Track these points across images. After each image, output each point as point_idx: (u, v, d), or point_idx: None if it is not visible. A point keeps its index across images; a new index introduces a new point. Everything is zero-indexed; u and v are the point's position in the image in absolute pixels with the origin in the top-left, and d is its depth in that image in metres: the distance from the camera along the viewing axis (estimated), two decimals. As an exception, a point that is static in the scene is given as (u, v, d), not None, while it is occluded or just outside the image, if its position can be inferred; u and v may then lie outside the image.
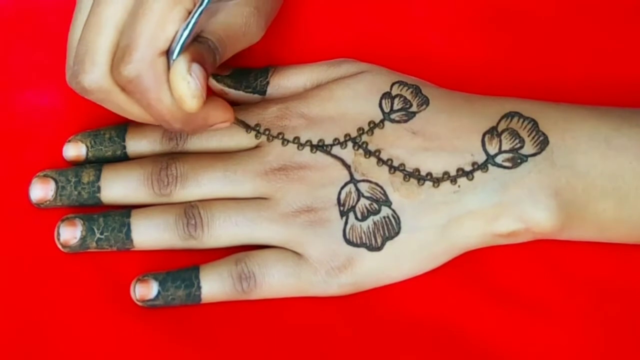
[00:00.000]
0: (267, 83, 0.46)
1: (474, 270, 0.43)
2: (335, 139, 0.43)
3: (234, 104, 0.46)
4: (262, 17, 0.41)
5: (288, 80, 0.46)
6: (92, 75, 0.38)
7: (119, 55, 0.37)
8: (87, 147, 0.45)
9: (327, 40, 0.47)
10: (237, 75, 0.46)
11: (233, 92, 0.46)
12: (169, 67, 0.37)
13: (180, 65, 0.36)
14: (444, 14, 0.48)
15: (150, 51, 0.37)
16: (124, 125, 0.45)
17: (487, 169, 0.42)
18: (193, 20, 0.37)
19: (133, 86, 0.37)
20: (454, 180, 0.42)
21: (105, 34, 0.38)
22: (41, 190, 0.43)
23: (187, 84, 0.36)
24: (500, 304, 0.43)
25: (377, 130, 0.43)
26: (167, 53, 0.37)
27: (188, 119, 0.38)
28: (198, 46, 0.37)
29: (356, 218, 0.42)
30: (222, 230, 0.42)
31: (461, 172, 0.42)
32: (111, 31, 0.38)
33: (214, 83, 0.46)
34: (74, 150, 0.45)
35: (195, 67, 0.37)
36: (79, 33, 0.39)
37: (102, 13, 0.38)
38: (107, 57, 0.38)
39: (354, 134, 0.43)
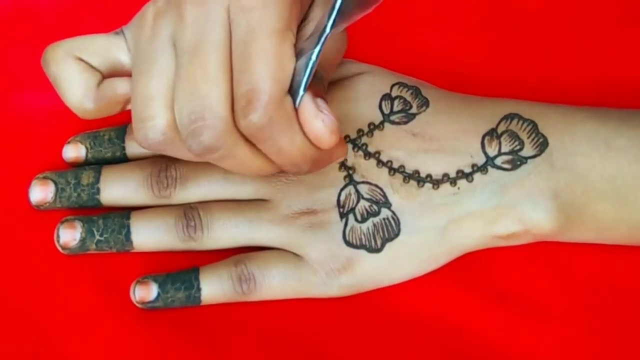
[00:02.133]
0: None
1: (474, 271, 0.43)
2: None
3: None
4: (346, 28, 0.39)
5: None
6: (218, 132, 0.35)
7: (242, 103, 0.35)
8: (86, 148, 0.45)
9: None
10: None
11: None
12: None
13: (310, 104, 0.35)
14: (444, 15, 0.48)
15: (277, 93, 0.35)
16: (123, 127, 0.45)
17: (487, 171, 0.42)
18: (314, 57, 0.35)
19: (264, 133, 0.35)
20: (453, 182, 0.42)
21: (220, 85, 0.35)
22: (41, 192, 0.43)
23: (322, 122, 0.35)
24: (500, 304, 0.43)
25: (376, 132, 0.43)
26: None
27: (318, 158, 0.37)
28: (313, 82, 0.36)
29: (356, 220, 0.42)
30: (222, 232, 0.42)
31: (461, 174, 0.42)
32: (224, 81, 0.35)
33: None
34: (74, 151, 0.45)
35: (321, 103, 0.36)
36: (158, 83, 0.36)
37: (206, 63, 0.35)
38: (228, 109, 0.35)
39: (353, 135, 0.43)
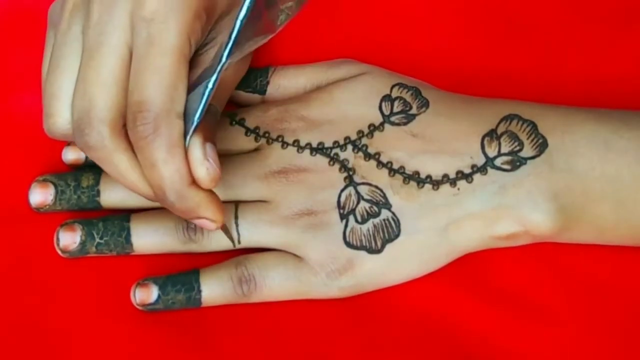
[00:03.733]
0: (267, 83, 0.46)
1: (474, 271, 0.43)
2: (335, 142, 0.43)
3: (234, 104, 0.46)
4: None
5: (288, 81, 0.46)
6: (99, 132, 0.37)
7: (133, 110, 0.36)
8: None
9: (327, 40, 0.47)
10: None
11: (233, 92, 0.46)
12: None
13: (197, 151, 0.37)
14: (444, 15, 0.48)
15: (167, 109, 0.36)
16: (123, 129, 0.45)
17: (487, 172, 0.42)
18: (210, 86, 0.36)
19: (146, 143, 0.36)
20: (453, 183, 0.42)
21: (109, 89, 0.37)
22: (41, 195, 0.43)
23: (205, 170, 0.37)
24: (500, 305, 0.43)
25: (377, 133, 0.43)
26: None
27: (183, 195, 0.37)
28: (205, 118, 0.37)
29: (356, 221, 0.42)
30: (222, 234, 0.42)
31: (461, 175, 0.42)
32: (114, 86, 0.37)
33: (213, 84, 0.46)
34: (74, 153, 0.45)
35: (210, 149, 0.37)
36: (63, 81, 0.38)
37: (101, 66, 0.37)
38: (114, 114, 0.37)
39: (353, 136, 0.43)
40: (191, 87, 0.37)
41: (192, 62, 0.39)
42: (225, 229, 0.41)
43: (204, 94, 0.36)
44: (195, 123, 0.37)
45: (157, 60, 0.36)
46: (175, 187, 0.37)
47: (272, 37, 0.37)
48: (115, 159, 0.37)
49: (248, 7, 0.34)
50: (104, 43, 0.37)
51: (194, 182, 0.37)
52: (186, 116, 0.37)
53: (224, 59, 0.35)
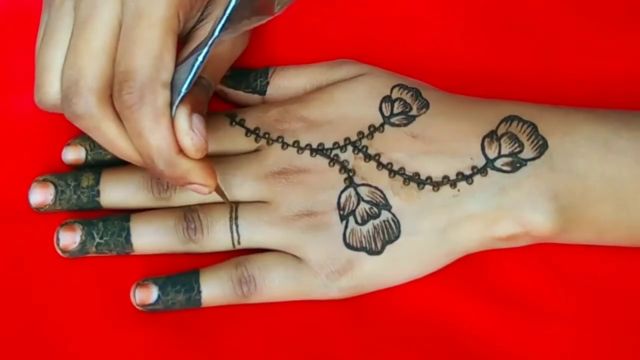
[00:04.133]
0: (267, 83, 0.46)
1: (474, 272, 0.43)
2: (335, 143, 0.43)
3: (234, 104, 0.46)
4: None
5: (288, 81, 0.46)
6: (87, 101, 0.37)
7: (120, 79, 0.37)
8: (86, 150, 0.45)
9: (327, 41, 0.47)
10: (237, 75, 0.46)
11: (232, 92, 0.46)
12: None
13: (182, 121, 0.37)
14: (444, 16, 0.48)
15: (152, 78, 0.37)
16: (123, 129, 0.45)
17: (487, 173, 0.42)
18: (200, 59, 0.37)
19: (131, 112, 0.37)
20: (453, 184, 0.42)
21: (98, 59, 0.37)
22: (41, 195, 0.43)
23: (190, 140, 0.38)
24: (500, 305, 0.43)
25: (377, 134, 0.43)
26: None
27: (172, 163, 0.38)
28: (194, 90, 0.38)
29: (356, 222, 0.42)
30: (222, 234, 0.42)
31: (461, 176, 0.42)
32: (103, 56, 0.37)
33: (213, 84, 0.46)
34: (73, 153, 0.45)
35: (196, 120, 0.38)
36: (54, 53, 0.38)
37: (91, 38, 0.37)
38: (102, 84, 0.38)
39: (353, 137, 0.43)
40: (181, 62, 0.38)
41: (188, 37, 0.40)
42: (219, 191, 0.41)
43: (193, 65, 0.37)
44: (182, 93, 0.37)
45: (144, 32, 0.37)
46: (163, 155, 0.38)
47: (270, 19, 0.37)
48: (103, 127, 0.38)
49: None
50: (95, 16, 0.37)
51: (182, 150, 0.38)
52: (174, 88, 0.37)
53: (215, 33, 0.36)
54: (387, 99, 0.44)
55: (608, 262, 0.44)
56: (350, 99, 0.44)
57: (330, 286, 0.42)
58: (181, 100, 0.37)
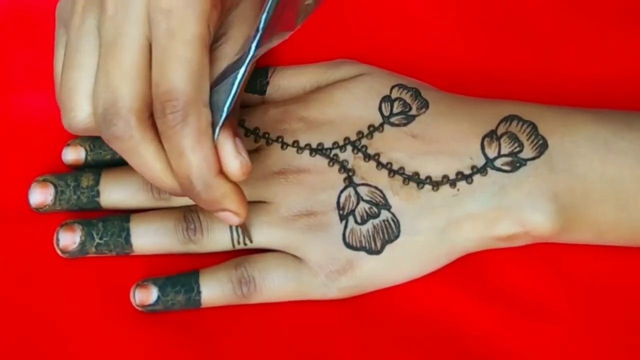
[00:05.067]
0: (267, 83, 0.46)
1: (474, 271, 0.43)
2: (335, 143, 0.43)
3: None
4: None
5: (288, 81, 0.46)
6: (127, 122, 0.37)
7: (162, 100, 0.36)
8: (86, 150, 0.45)
9: (327, 40, 0.47)
10: None
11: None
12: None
13: (229, 145, 0.37)
14: (444, 16, 0.48)
15: (195, 96, 0.36)
16: (123, 129, 0.45)
17: (487, 173, 0.42)
18: (236, 85, 0.36)
19: (174, 132, 0.36)
20: (453, 183, 0.42)
21: (133, 80, 0.37)
22: (40, 195, 0.43)
23: (239, 163, 0.37)
24: (500, 305, 0.43)
25: (376, 134, 0.43)
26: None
27: (210, 184, 0.37)
28: (230, 114, 0.37)
29: (356, 222, 0.42)
30: (222, 235, 0.42)
31: (460, 176, 0.42)
32: (137, 76, 0.37)
33: (213, 83, 0.46)
34: (73, 153, 0.45)
35: (239, 143, 0.38)
36: (81, 75, 0.38)
37: (122, 58, 0.36)
38: (140, 104, 0.37)
39: (353, 137, 0.43)
40: (213, 84, 0.37)
41: None
42: (244, 228, 0.41)
43: (232, 84, 0.37)
44: (225, 113, 0.37)
45: (180, 50, 0.36)
46: (203, 175, 0.37)
47: (291, 34, 0.37)
48: (141, 149, 0.37)
49: (272, 2, 0.34)
50: (123, 35, 0.36)
51: (220, 172, 0.37)
52: (213, 109, 0.37)
53: (252, 51, 0.36)
54: (386, 98, 0.43)
55: (608, 262, 0.43)
56: (349, 99, 0.44)
57: (330, 286, 0.42)
58: (224, 122, 0.37)
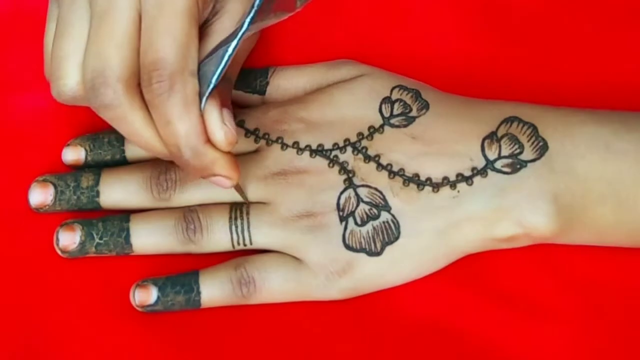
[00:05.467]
0: (267, 83, 0.46)
1: (474, 272, 0.43)
2: (335, 144, 0.43)
3: (234, 104, 0.46)
4: None
5: (288, 81, 0.46)
6: (115, 90, 0.37)
7: (149, 69, 0.37)
8: (86, 151, 0.45)
9: (327, 41, 0.47)
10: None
11: (233, 92, 0.46)
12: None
13: (214, 115, 0.38)
14: (445, 17, 0.47)
15: (181, 66, 0.37)
16: (123, 129, 0.45)
17: (487, 174, 0.42)
18: (230, 51, 0.37)
19: (161, 101, 0.37)
20: (453, 185, 0.42)
21: (123, 49, 0.37)
22: (40, 195, 0.43)
23: (224, 133, 0.38)
24: (500, 305, 0.43)
25: (376, 135, 0.43)
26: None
27: (199, 151, 0.38)
28: (220, 84, 0.38)
29: (355, 223, 0.42)
30: (222, 235, 0.42)
31: (460, 177, 0.42)
32: (127, 46, 0.37)
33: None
34: (73, 154, 0.45)
35: (227, 114, 0.38)
36: (71, 45, 0.38)
37: (113, 27, 0.37)
38: (129, 73, 0.37)
39: (353, 138, 0.43)
40: (206, 56, 0.38)
41: (203, 31, 0.39)
42: (238, 188, 0.41)
43: (222, 57, 0.37)
44: (212, 84, 0.38)
45: (168, 22, 0.37)
46: (191, 143, 0.38)
47: (290, 15, 0.37)
48: (130, 116, 0.38)
49: None
50: (114, 6, 0.37)
51: (209, 140, 0.38)
52: (202, 80, 0.38)
53: (245, 26, 0.36)
54: (387, 100, 0.43)
55: (608, 262, 0.43)
56: (350, 100, 0.44)
57: (330, 287, 0.42)
58: (211, 93, 0.38)
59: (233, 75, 0.42)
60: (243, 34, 0.36)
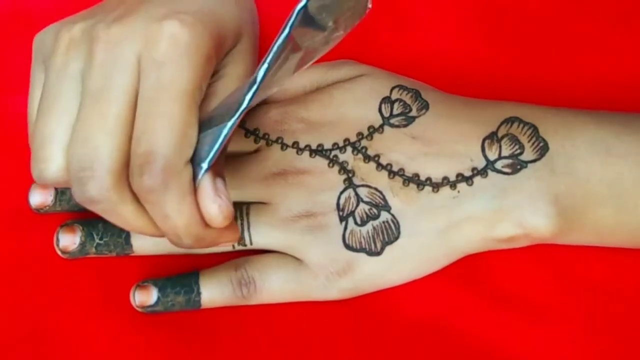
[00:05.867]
0: None
1: (474, 272, 0.43)
2: (335, 144, 0.43)
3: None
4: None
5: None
6: (103, 185, 0.34)
7: (138, 162, 0.34)
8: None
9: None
10: None
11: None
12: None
13: (208, 187, 0.35)
14: (445, 16, 0.47)
15: (176, 160, 0.34)
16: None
17: (487, 175, 0.42)
18: (226, 131, 0.34)
19: (154, 197, 0.34)
20: (453, 185, 0.42)
21: (115, 137, 0.34)
22: (41, 196, 0.43)
23: (217, 207, 0.35)
24: (500, 306, 0.43)
25: (376, 135, 0.43)
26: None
27: (200, 237, 0.36)
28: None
29: (355, 223, 0.42)
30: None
31: (461, 178, 0.42)
32: (121, 134, 0.34)
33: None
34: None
35: (220, 185, 0.35)
36: (57, 124, 0.35)
37: (106, 111, 0.34)
38: (119, 165, 0.34)
39: (353, 138, 0.43)
40: (205, 127, 0.35)
41: None
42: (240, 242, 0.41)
43: (219, 136, 0.34)
44: (206, 168, 0.35)
45: (167, 106, 0.34)
46: (191, 232, 0.35)
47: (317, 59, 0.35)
48: (119, 210, 0.35)
49: (274, 55, 0.33)
50: (111, 87, 0.34)
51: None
52: (196, 155, 0.35)
53: (245, 104, 0.34)
54: (386, 99, 0.43)
55: (608, 263, 0.43)
56: (349, 100, 0.43)
57: (330, 287, 0.42)
58: (205, 172, 0.35)
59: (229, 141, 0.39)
60: (242, 111, 0.34)
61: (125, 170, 0.35)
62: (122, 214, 0.36)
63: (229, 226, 0.36)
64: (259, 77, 0.33)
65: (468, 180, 0.42)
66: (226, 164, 0.43)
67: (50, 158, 0.36)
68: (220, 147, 0.35)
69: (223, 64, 0.39)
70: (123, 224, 0.36)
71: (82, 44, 0.36)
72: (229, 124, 0.34)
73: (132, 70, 0.35)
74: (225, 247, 0.43)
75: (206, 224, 0.36)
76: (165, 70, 0.34)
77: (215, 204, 0.35)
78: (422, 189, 0.42)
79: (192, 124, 0.35)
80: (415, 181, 0.42)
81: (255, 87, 0.33)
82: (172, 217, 0.35)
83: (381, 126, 0.43)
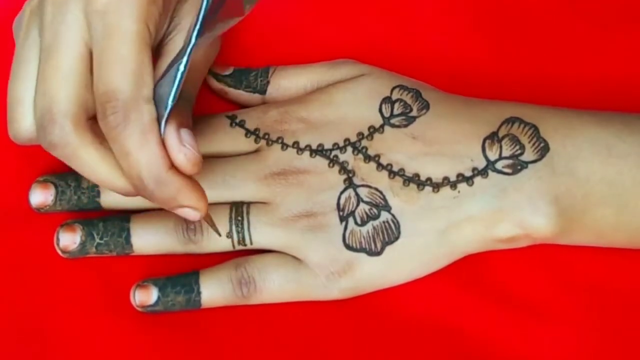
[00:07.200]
0: (268, 83, 0.46)
1: (474, 272, 0.43)
2: (335, 144, 0.43)
3: (234, 104, 0.46)
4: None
5: (288, 81, 0.46)
6: (62, 128, 0.36)
7: (101, 102, 0.36)
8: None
9: (327, 41, 0.47)
10: (238, 74, 0.46)
11: (233, 92, 0.46)
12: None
13: (172, 137, 0.36)
14: (445, 16, 0.47)
15: (135, 95, 0.36)
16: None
17: (487, 175, 0.42)
18: (182, 69, 0.36)
19: (117, 133, 0.36)
20: (453, 185, 0.42)
21: (69, 84, 0.36)
22: (41, 195, 0.43)
23: (184, 155, 0.36)
24: (500, 305, 0.43)
25: (376, 135, 0.43)
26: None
27: (162, 181, 0.36)
28: (178, 104, 0.37)
29: (356, 223, 0.42)
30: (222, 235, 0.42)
31: (461, 178, 0.42)
32: (74, 80, 0.36)
33: (214, 82, 0.46)
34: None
35: (185, 134, 0.37)
36: (25, 86, 0.38)
37: (58, 63, 0.36)
38: (77, 108, 0.36)
39: (353, 138, 0.43)
40: (160, 77, 0.37)
41: (159, 51, 0.39)
42: (209, 219, 0.40)
43: (175, 76, 0.36)
44: (169, 107, 0.36)
45: (117, 50, 0.36)
46: (153, 172, 0.36)
47: (241, 20, 0.37)
48: (82, 153, 0.37)
49: None
50: (60, 41, 0.36)
51: (173, 166, 0.37)
52: (159, 103, 0.36)
53: (192, 40, 0.35)
54: (387, 99, 0.43)
55: (608, 263, 0.43)
56: (350, 100, 0.43)
57: (330, 287, 0.42)
58: (169, 115, 0.36)
59: (193, 92, 0.40)
60: (192, 49, 0.35)
61: (86, 115, 0.37)
62: (84, 158, 0.37)
63: (193, 187, 0.37)
64: (201, 13, 0.35)
65: (468, 180, 0.42)
66: (227, 164, 0.43)
67: (21, 117, 0.38)
68: (179, 87, 0.36)
69: (181, 16, 0.39)
70: (87, 170, 0.37)
71: (37, 11, 0.38)
72: (182, 61, 0.36)
73: (79, 24, 0.36)
74: (226, 247, 0.43)
75: (169, 167, 0.36)
76: (109, 17, 0.36)
77: (181, 153, 0.36)
78: (423, 189, 0.42)
79: (145, 63, 0.36)
80: (416, 181, 0.42)
81: (198, 24, 0.35)
82: (133, 152, 0.36)
83: (381, 126, 0.43)
